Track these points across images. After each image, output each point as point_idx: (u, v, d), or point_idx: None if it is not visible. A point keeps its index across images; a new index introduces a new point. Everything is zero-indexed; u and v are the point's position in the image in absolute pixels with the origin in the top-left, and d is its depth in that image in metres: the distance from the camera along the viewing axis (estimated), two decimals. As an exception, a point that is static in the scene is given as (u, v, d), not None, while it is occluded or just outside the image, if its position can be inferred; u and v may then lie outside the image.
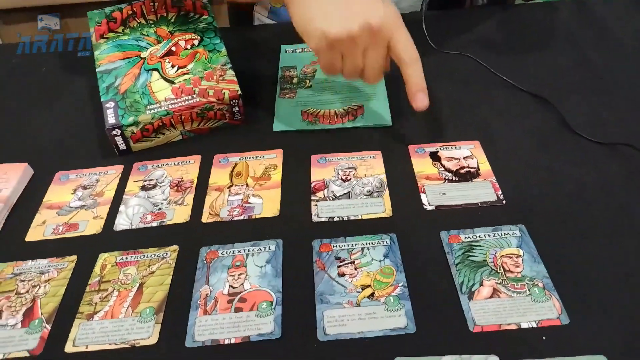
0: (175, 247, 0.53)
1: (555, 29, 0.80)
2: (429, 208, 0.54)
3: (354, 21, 0.52)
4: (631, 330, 0.42)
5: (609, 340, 0.42)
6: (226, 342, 0.44)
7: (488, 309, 0.44)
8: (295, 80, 0.72)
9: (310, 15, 0.54)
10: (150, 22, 0.71)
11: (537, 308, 0.44)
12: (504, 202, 0.54)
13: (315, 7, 0.54)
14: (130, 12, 0.72)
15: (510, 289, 0.46)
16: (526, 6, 0.85)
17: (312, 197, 0.56)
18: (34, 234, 0.56)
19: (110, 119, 0.61)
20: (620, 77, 0.68)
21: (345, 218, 0.54)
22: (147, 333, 0.45)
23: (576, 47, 0.75)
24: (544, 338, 0.42)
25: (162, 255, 0.52)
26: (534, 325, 0.43)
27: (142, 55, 0.68)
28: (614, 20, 0.80)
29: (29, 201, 0.60)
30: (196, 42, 0.69)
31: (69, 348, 0.45)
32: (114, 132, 0.61)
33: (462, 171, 0.57)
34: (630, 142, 0.57)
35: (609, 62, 0.71)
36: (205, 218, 0.55)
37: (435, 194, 0.55)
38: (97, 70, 0.66)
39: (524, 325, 0.43)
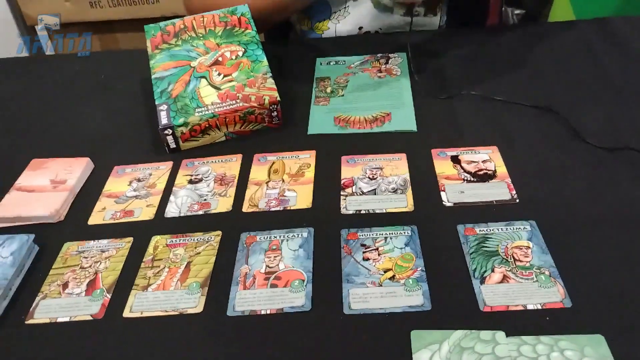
0: (219, 232, 0.59)
1: (574, 45, 0.85)
2: (448, 204, 0.59)
3: None
4: (627, 313, 0.46)
5: (607, 322, 0.46)
6: (262, 312, 0.50)
7: (498, 291, 0.49)
8: (328, 90, 0.79)
9: None
10: (200, 34, 0.79)
11: (543, 292, 0.49)
12: (517, 200, 0.59)
13: None
14: (182, 26, 0.80)
15: (518, 276, 0.50)
16: (546, 25, 0.90)
17: (342, 193, 0.62)
18: (95, 219, 0.63)
19: (164, 120, 0.69)
20: (635, 88, 0.73)
21: (371, 211, 0.59)
22: (194, 303, 0.52)
23: (595, 62, 0.80)
24: (547, 318, 0.47)
25: (207, 239, 0.59)
26: (539, 307, 0.48)
27: (192, 65, 0.75)
28: (635, 37, 0.84)
29: (91, 191, 0.67)
30: (240, 53, 0.76)
31: (126, 313, 0.52)
32: (166, 132, 0.69)
33: (480, 173, 0.63)
34: (636, 147, 0.61)
35: (627, 76, 0.76)
36: (246, 208, 0.62)
37: (455, 192, 0.60)
38: (153, 77, 0.74)
39: (530, 307, 0.48)
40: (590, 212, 0.56)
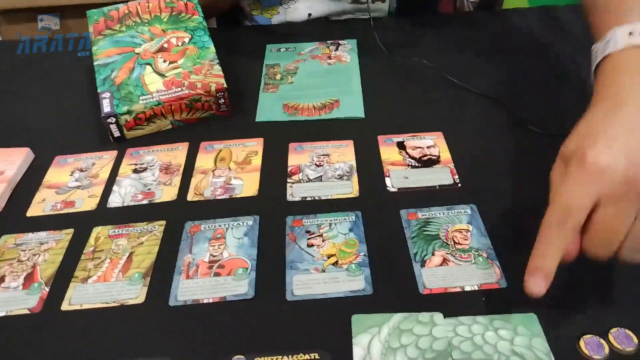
0: (163, 222, 0.58)
1: (523, 33, 0.86)
2: (392, 190, 0.60)
3: None
4: (558, 293, 0.48)
5: (539, 301, 0.47)
6: (205, 301, 0.50)
7: (437, 274, 0.50)
8: (278, 77, 0.79)
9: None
10: (145, 20, 0.77)
11: (480, 274, 0.50)
12: (459, 185, 0.60)
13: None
14: (126, 11, 0.78)
15: (458, 259, 0.52)
16: (498, 13, 0.91)
17: (288, 180, 0.62)
18: (34, 210, 0.61)
19: (106, 108, 0.67)
20: (578, 76, 0.75)
21: (316, 198, 0.60)
22: (135, 294, 0.51)
23: (542, 50, 0.81)
24: (483, 299, 0.48)
25: (151, 228, 0.58)
26: (476, 288, 0.49)
27: (136, 51, 0.73)
28: (581, 25, 0.87)
29: (30, 182, 0.65)
30: (187, 40, 0.75)
31: (65, 306, 0.50)
32: (109, 120, 0.67)
33: (425, 158, 0.63)
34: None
35: (571, 64, 0.78)
36: (191, 197, 0.61)
37: (399, 177, 0.61)
38: (95, 64, 0.72)
39: (467, 288, 0.49)
40: (529, 197, 0.57)
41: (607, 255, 0.40)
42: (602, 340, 0.44)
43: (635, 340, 0.44)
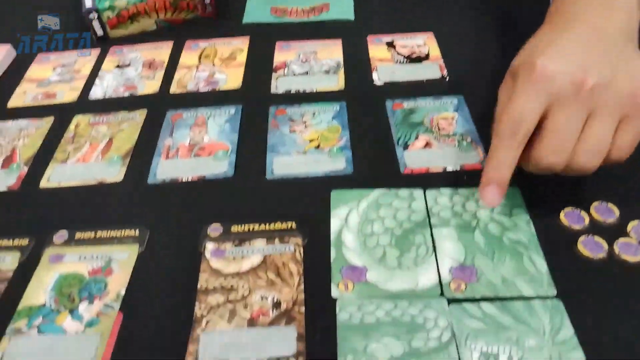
0: (144, 110, 0.57)
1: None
2: (379, 83, 0.59)
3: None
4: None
5: (520, 174, 0.47)
6: (184, 179, 0.49)
7: (419, 156, 0.49)
8: (267, -18, 0.76)
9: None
10: None
11: (463, 155, 0.49)
12: (447, 78, 0.58)
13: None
14: None
15: (441, 143, 0.51)
16: None
17: (273, 75, 0.61)
18: (15, 102, 0.60)
19: (88, 3, 0.65)
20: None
21: (301, 90, 0.58)
22: (114, 173, 0.50)
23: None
24: (465, 177, 0.47)
25: (132, 116, 0.57)
26: (458, 168, 0.48)
27: (120, -51, 0.71)
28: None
29: (12, 77, 0.64)
30: (172, -61, 0.72)
31: (43, 184, 0.50)
32: (90, 16, 0.66)
33: (414, 56, 0.62)
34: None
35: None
36: (174, 90, 0.60)
37: (386, 72, 0.60)
38: (77, -39, 0.70)
39: (449, 168, 0.48)
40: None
41: (561, 163, 0.38)
42: (583, 213, 0.43)
43: (617, 212, 0.43)
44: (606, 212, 0.43)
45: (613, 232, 0.42)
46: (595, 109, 0.37)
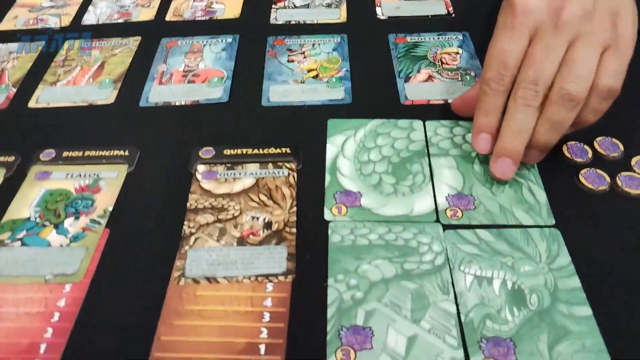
0: (138, 37, 0.55)
1: None
2: (382, 17, 0.57)
3: None
4: None
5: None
6: (177, 103, 0.48)
7: (421, 88, 0.48)
8: None
9: None
10: None
11: (466, 89, 0.47)
12: (453, 15, 0.56)
13: None
14: None
15: (444, 77, 0.49)
16: None
17: (273, 6, 0.59)
18: (6, 25, 0.59)
19: None
20: None
21: (301, 22, 0.56)
22: (105, 96, 0.49)
23: None
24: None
25: (125, 42, 0.55)
26: (460, 101, 0.47)
27: None
28: None
29: (3, 2, 0.62)
30: None
31: (32, 104, 0.49)
32: (86, -60, 0.63)
33: (420, -7, 0.60)
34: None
35: None
36: (169, 17, 0.58)
37: (390, 7, 0.58)
38: None
39: (451, 101, 0.47)
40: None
41: (539, 93, 0.37)
42: (586, 146, 0.42)
43: (621, 147, 0.42)
44: (610, 146, 0.42)
45: (616, 166, 0.40)
46: (576, 37, 0.37)
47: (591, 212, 0.38)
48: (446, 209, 0.38)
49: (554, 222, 0.37)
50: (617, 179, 0.39)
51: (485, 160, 0.41)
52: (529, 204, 0.38)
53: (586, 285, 0.33)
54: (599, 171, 0.40)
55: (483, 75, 0.39)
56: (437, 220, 0.37)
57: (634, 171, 0.40)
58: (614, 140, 0.42)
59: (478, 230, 0.37)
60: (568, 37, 0.37)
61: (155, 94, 0.48)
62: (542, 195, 0.39)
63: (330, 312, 0.33)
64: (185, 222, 0.38)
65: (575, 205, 0.38)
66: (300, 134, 0.44)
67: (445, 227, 0.37)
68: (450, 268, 0.35)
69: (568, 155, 0.41)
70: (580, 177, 0.39)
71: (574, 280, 0.34)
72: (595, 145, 0.42)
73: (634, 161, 0.41)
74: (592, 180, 0.39)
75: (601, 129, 0.43)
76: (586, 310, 0.32)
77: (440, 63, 0.50)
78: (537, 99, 0.37)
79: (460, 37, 0.53)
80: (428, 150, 0.42)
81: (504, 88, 0.38)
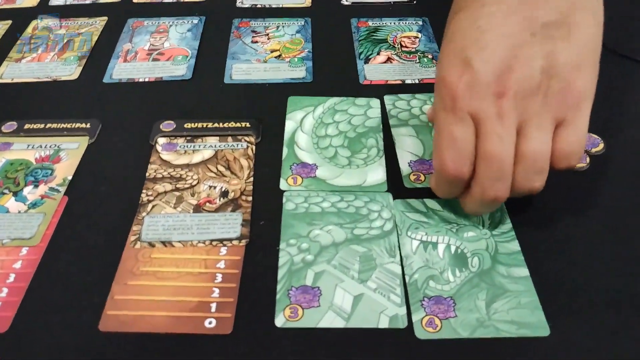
0: (105, 17, 0.56)
1: None
2: (346, 3, 0.58)
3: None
4: None
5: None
6: (140, 80, 0.48)
7: (380, 69, 0.49)
8: None
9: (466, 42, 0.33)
10: None
11: (423, 71, 0.49)
12: (414, 2, 0.58)
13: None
14: None
15: (402, 59, 0.51)
16: None
17: (241, -10, 0.60)
18: (-29, 4, 0.58)
19: None
20: None
21: (267, 6, 0.58)
22: (69, 72, 0.49)
23: None
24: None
25: (92, 22, 0.55)
26: (417, 81, 0.48)
27: None
28: None
29: (-31, -19, 0.62)
30: None
31: (-5, 79, 0.49)
32: None
33: (384, -19, 0.61)
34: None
35: None
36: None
37: (354, -7, 0.59)
38: None
39: (408, 81, 0.48)
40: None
41: (505, 191, 0.32)
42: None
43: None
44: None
45: (560, 142, 0.42)
46: (524, 120, 0.32)
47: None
48: (410, 174, 0.40)
49: None
50: (560, 153, 0.41)
51: None
52: None
53: (525, 248, 0.35)
54: (543, 146, 0.42)
55: (436, 150, 0.34)
56: (388, 190, 0.39)
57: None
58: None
59: (426, 200, 0.38)
60: (515, 123, 0.32)
61: (120, 70, 0.49)
62: None
63: (280, 273, 0.34)
64: (144, 191, 0.39)
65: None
66: (261, 110, 0.46)
67: (395, 196, 0.38)
68: (398, 233, 0.36)
69: (516, 132, 0.43)
70: (525, 151, 0.41)
71: (513, 244, 0.35)
72: (542, 123, 0.44)
73: (577, 138, 0.43)
74: (537, 154, 0.41)
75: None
76: (524, 271, 0.34)
77: (399, 46, 0.52)
78: (506, 189, 0.32)
79: (420, 22, 0.55)
80: (388, 123, 0.44)
81: (464, 181, 0.33)
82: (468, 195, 0.34)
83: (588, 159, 0.41)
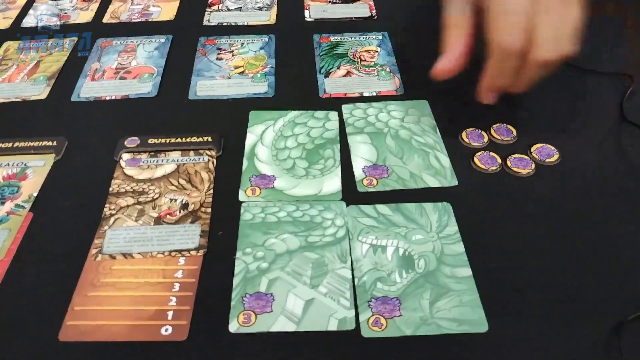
0: (75, 38, 0.58)
1: None
2: (309, 20, 0.60)
3: None
4: (450, 84, 0.48)
5: (430, 93, 0.49)
6: (107, 98, 0.50)
7: (339, 83, 0.51)
8: None
9: None
10: None
11: (380, 83, 0.51)
12: (375, 17, 0.60)
13: None
14: None
15: (362, 72, 0.53)
16: None
17: (207, 9, 0.62)
18: (-56, 27, 0.60)
19: None
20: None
21: (233, 23, 0.60)
22: (38, 91, 0.51)
23: None
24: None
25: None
26: (374, 94, 0.50)
27: None
28: None
29: (-57, 5, 0.63)
30: None
31: (-34, 100, 0.50)
32: (27, -53, 0.65)
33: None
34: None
35: None
36: (107, 19, 0.60)
37: (318, 10, 0.61)
38: None
39: (366, 94, 0.50)
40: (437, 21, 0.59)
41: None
42: (483, 132, 0.46)
43: (515, 132, 0.46)
44: (505, 132, 0.46)
45: (509, 149, 0.44)
46: None
47: (482, 189, 0.41)
48: (363, 179, 0.42)
49: (457, 182, 0.41)
50: (507, 160, 0.43)
51: (395, 135, 0.45)
52: (435, 169, 0.42)
53: (469, 250, 0.37)
54: (492, 153, 0.44)
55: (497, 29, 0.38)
56: (342, 199, 0.41)
57: (524, 153, 0.44)
58: (508, 126, 0.46)
59: (378, 205, 0.40)
60: None
61: (87, 89, 0.51)
62: (446, 161, 0.43)
63: (236, 281, 0.35)
64: (107, 205, 0.40)
65: (469, 184, 0.42)
66: (223, 125, 0.47)
67: (349, 203, 0.40)
68: (349, 239, 0.38)
69: (466, 140, 0.45)
70: (475, 159, 0.43)
71: (458, 246, 0.37)
72: (492, 131, 0.46)
73: (526, 145, 0.45)
74: (485, 161, 0.43)
75: (498, 118, 0.47)
76: (467, 271, 0.36)
77: (359, 60, 0.54)
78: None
79: (380, 36, 0.57)
80: (341, 135, 0.46)
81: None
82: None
83: (533, 165, 0.43)
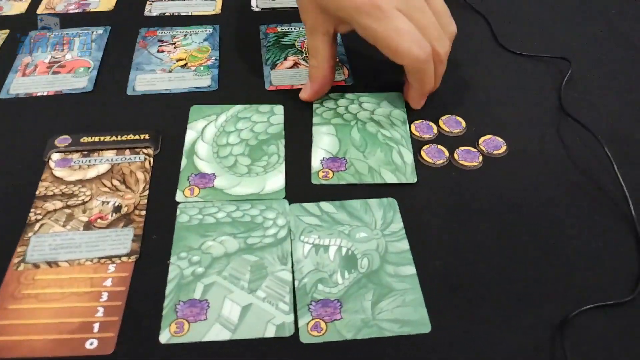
0: (6, 31, 0.54)
1: None
2: (256, 9, 0.58)
3: None
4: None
5: (380, 84, 0.48)
6: (39, 94, 0.47)
7: (286, 75, 0.49)
8: None
9: None
10: None
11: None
12: (325, 6, 0.58)
13: None
14: None
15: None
16: None
17: (148, 1, 0.59)
18: None
19: None
20: None
21: (176, 14, 0.57)
22: (-37, 89, 0.48)
23: None
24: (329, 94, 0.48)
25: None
26: (323, 85, 0.48)
27: None
28: None
29: None
30: None
31: None
32: None
33: (296, -14, 0.61)
34: None
35: None
36: (41, 10, 0.57)
37: (266, 0, 0.59)
38: None
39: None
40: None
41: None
42: (431, 124, 0.45)
43: (464, 124, 0.45)
44: (454, 123, 0.45)
45: (457, 141, 0.43)
46: None
47: (430, 183, 0.40)
48: (319, 171, 0.40)
49: (416, 179, 0.40)
50: (455, 153, 0.42)
51: (362, 128, 0.44)
52: (396, 165, 0.41)
53: (414, 247, 0.36)
54: (439, 146, 0.43)
55: (398, 51, 0.40)
56: (285, 197, 0.39)
57: (472, 146, 0.43)
58: (457, 118, 0.45)
59: (322, 203, 0.38)
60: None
61: (17, 85, 0.48)
62: (409, 157, 0.42)
63: (169, 288, 0.33)
64: (32, 210, 0.38)
65: (417, 178, 0.40)
66: (163, 121, 0.45)
67: (291, 201, 0.39)
68: (291, 239, 0.36)
69: (416, 132, 0.44)
70: (422, 152, 0.42)
71: (403, 243, 0.36)
72: (440, 123, 0.45)
73: (474, 137, 0.44)
74: (432, 155, 0.42)
75: (447, 108, 0.46)
76: (411, 270, 0.34)
77: (307, 50, 0.52)
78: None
79: (329, 26, 0.55)
80: (291, 128, 0.44)
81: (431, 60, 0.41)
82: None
83: (481, 158, 0.42)
